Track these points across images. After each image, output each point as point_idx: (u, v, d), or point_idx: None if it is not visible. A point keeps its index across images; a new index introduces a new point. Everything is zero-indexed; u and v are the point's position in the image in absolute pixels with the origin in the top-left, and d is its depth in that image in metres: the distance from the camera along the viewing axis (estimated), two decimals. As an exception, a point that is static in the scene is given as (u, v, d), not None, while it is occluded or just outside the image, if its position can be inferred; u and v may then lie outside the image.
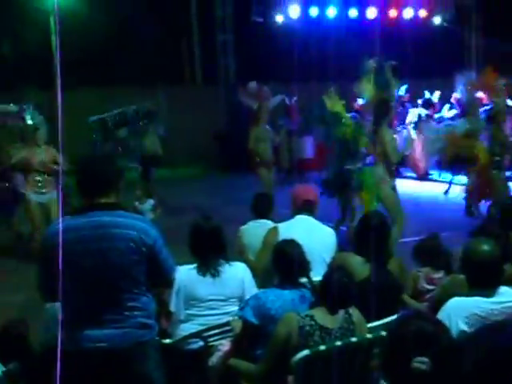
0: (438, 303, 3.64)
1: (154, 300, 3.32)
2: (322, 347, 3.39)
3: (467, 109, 9.76)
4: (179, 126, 15.14)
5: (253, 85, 10.53)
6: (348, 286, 3.58)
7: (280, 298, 3.72)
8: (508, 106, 11.38)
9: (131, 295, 3.11)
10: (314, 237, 4.81)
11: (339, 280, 3.58)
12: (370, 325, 3.71)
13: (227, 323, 4.00)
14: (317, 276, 4.37)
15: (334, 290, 3.54)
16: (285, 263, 3.90)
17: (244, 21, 15.90)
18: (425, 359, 2.01)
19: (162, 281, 3.44)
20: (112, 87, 14.68)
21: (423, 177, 13.55)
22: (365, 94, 7.65)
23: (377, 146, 7.41)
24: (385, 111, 7.42)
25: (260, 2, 15.97)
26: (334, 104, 7.89)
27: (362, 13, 16.95)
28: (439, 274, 4.54)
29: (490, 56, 19.33)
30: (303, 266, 3.93)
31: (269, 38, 15.78)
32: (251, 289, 4.14)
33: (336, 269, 3.90)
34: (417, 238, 5.29)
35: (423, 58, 18.40)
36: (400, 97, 14.32)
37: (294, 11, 16.01)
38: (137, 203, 7.31)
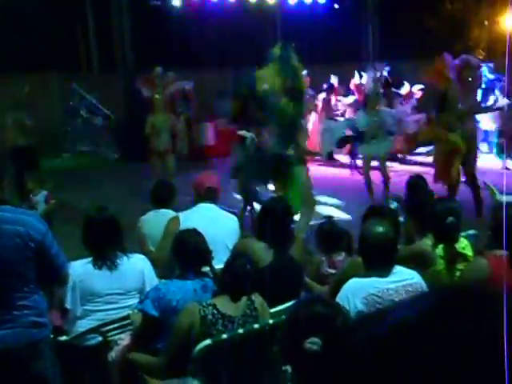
0: (338, 285, 3.69)
1: (45, 297, 3.19)
2: (224, 336, 3.36)
3: (369, 101, 9.99)
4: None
5: (158, 71, 10.26)
6: (248, 272, 3.56)
7: (181, 289, 3.65)
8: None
9: (21, 294, 3.01)
10: (217, 224, 4.77)
11: (240, 267, 3.56)
12: (272, 310, 3.72)
13: (127, 317, 3.88)
14: (219, 263, 4.38)
15: (235, 277, 3.53)
16: (185, 253, 3.83)
17: (141, 4, 15.53)
18: (316, 340, 2.02)
19: (53, 277, 3.34)
20: (9, 75, 13.95)
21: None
22: (268, 81, 7.15)
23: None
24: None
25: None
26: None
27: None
28: (340, 257, 4.60)
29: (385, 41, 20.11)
30: (204, 255, 3.88)
31: (166, 22, 15.53)
32: (152, 281, 4.04)
33: (236, 256, 3.88)
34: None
35: (324, 43, 18.80)
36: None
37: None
38: (31, 196, 6.98)
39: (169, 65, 11.04)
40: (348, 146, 12.06)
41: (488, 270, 3.51)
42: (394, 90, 13.56)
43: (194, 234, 3.94)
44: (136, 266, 4.05)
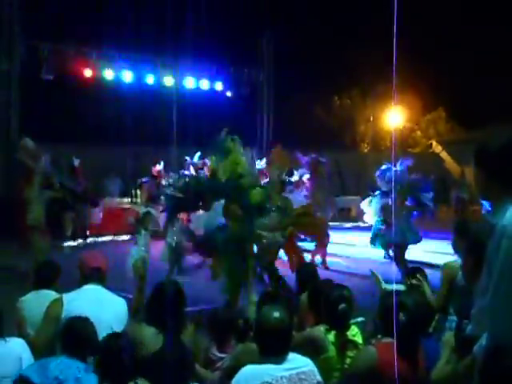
0: (232, 371, 3.60)
1: None
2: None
3: None
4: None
5: (29, 143, 9.89)
6: (131, 357, 3.41)
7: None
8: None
9: None
10: (104, 307, 4.51)
11: (115, 348, 3.47)
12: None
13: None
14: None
15: (119, 363, 3.42)
16: (72, 342, 3.64)
17: (32, 78, 15.24)
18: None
19: None
20: None
21: None
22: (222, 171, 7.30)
23: None
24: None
25: (51, 60, 15.50)
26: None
27: (158, 79, 17.27)
28: (231, 343, 4.51)
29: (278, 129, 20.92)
30: (92, 346, 3.68)
31: (59, 97, 15.32)
32: (30, 366, 3.72)
33: (112, 336, 3.73)
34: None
35: (218, 128, 19.18)
36: (194, 164, 14.70)
37: (88, 72, 15.84)
38: None
39: (58, 140, 10.79)
40: None
41: (376, 358, 3.54)
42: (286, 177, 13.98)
43: (84, 322, 3.82)
44: (13, 352, 3.76)
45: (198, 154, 14.96)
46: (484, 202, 11.21)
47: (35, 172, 9.41)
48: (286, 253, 8.02)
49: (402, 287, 5.10)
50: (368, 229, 12.97)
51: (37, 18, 15.03)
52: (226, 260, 7.15)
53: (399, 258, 10.04)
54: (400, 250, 10.15)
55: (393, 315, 3.52)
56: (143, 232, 8.37)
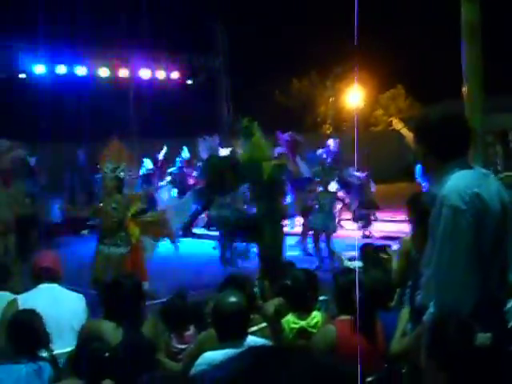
0: (192, 360, 3.58)
1: None
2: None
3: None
4: None
5: (6, 144, 9.67)
6: (101, 358, 3.35)
7: (11, 375, 3.38)
8: None
9: None
10: (61, 305, 4.50)
11: (91, 353, 3.37)
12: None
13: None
14: (66, 346, 4.11)
15: (87, 364, 3.36)
16: (19, 335, 3.58)
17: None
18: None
19: None
20: None
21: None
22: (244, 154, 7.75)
23: None
24: None
25: (2, 58, 15.18)
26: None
27: (113, 72, 17.02)
28: (189, 332, 4.49)
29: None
30: (41, 338, 3.61)
31: (13, 94, 15.03)
32: (-15, 369, 3.65)
33: (88, 339, 3.65)
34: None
35: (178, 118, 19.10)
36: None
37: (39, 69, 15.51)
38: None
39: (14, 138, 10.55)
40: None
41: (335, 336, 3.56)
42: None
43: (30, 314, 3.73)
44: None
45: (165, 149, 14.75)
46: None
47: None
48: None
49: (359, 264, 5.14)
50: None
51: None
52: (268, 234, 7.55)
53: (316, 244, 10.00)
54: (316, 236, 10.06)
55: (346, 293, 3.55)
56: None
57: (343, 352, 3.54)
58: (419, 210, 3.58)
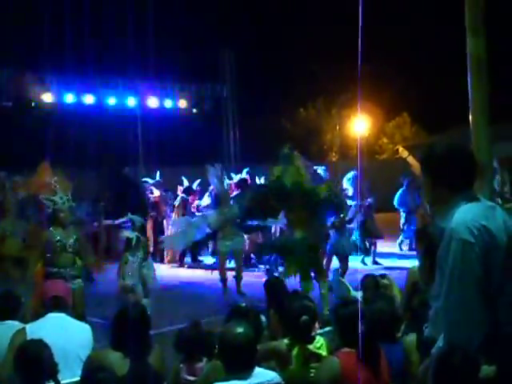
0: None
1: None
2: None
3: (220, 200, 10.28)
4: None
5: (1, 174, 9.76)
6: None
7: None
8: None
9: None
10: (68, 335, 4.49)
11: (101, 382, 3.37)
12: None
13: None
14: (72, 376, 4.10)
15: None
16: (27, 366, 3.55)
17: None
18: None
19: None
20: None
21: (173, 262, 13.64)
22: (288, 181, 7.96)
23: None
24: None
25: (9, 87, 15.38)
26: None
27: (121, 101, 17.22)
28: (200, 364, 4.45)
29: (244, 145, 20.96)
30: (49, 368, 3.60)
31: (19, 123, 15.18)
32: (-5, 401, 3.66)
33: (95, 369, 3.64)
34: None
35: (182, 146, 19.22)
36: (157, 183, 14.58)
37: (47, 98, 15.74)
38: None
39: (20, 167, 10.64)
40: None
41: (339, 368, 3.55)
42: None
43: (37, 345, 3.70)
44: (-24, 386, 3.66)
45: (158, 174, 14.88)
46: None
47: (7, 203, 9.20)
48: None
49: (359, 295, 5.12)
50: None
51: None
52: (300, 259, 7.90)
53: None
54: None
55: (348, 325, 3.53)
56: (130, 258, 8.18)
57: (347, 384, 3.53)
58: (427, 242, 3.59)
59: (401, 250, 13.70)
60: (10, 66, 15.43)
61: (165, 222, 13.99)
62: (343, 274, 9.75)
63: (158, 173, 14.90)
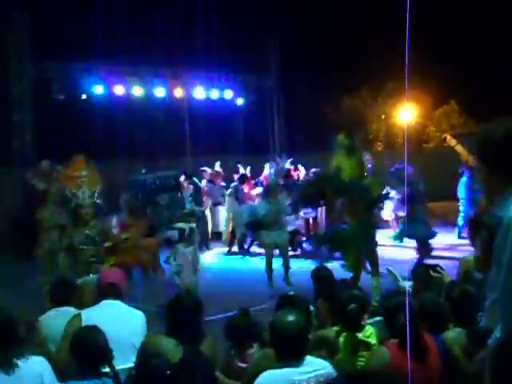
0: (251, 379, 3.60)
1: None
2: None
3: (270, 191, 10.36)
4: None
5: (45, 164, 9.93)
6: (164, 373, 3.44)
7: None
8: None
9: None
10: (121, 322, 4.58)
11: (152, 370, 3.44)
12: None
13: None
14: (126, 363, 4.20)
15: (148, 381, 3.43)
16: (83, 351, 3.66)
17: (43, 99, 15.44)
18: None
19: None
20: None
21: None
22: (344, 169, 8.01)
23: None
24: None
25: (61, 80, 15.71)
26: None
27: (169, 92, 17.40)
28: (252, 350, 4.49)
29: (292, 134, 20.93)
30: (104, 354, 3.70)
31: (71, 115, 15.49)
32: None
33: (149, 355, 3.72)
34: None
35: (232, 136, 19.32)
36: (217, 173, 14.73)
37: (98, 89, 16.03)
38: None
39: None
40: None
41: (388, 358, 3.54)
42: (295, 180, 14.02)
43: (93, 331, 3.79)
44: (34, 370, 3.76)
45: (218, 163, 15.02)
46: None
47: (49, 192, 9.33)
48: None
49: (408, 285, 5.09)
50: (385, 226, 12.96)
51: (45, 40, 15.25)
52: (353, 251, 8.07)
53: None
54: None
55: (394, 316, 3.52)
56: (183, 249, 8.27)
57: (396, 375, 3.52)
58: (483, 231, 3.53)
59: (462, 238, 13.50)
60: (61, 59, 15.76)
61: (207, 212, 14.11)
62: (423, 258, 9.88)
63: (218, 163, 14.99)
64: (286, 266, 9.95)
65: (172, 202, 10.85)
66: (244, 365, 4.39)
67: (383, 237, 11.94)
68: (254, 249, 13.28)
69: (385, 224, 12.89)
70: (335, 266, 7.69)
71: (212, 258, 12.95)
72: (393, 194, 11.37)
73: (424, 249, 10.23)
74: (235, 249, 13.64)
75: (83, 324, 4.35)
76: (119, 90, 16.39)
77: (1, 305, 4.07)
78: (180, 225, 8.37)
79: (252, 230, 12.12)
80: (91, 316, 4.51)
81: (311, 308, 5.06)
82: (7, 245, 13.77)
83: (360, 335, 4.15)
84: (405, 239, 11.36)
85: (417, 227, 10.22)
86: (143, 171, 12.63)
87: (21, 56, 15.46)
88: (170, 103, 17.36)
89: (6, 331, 3.74)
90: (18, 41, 15.41)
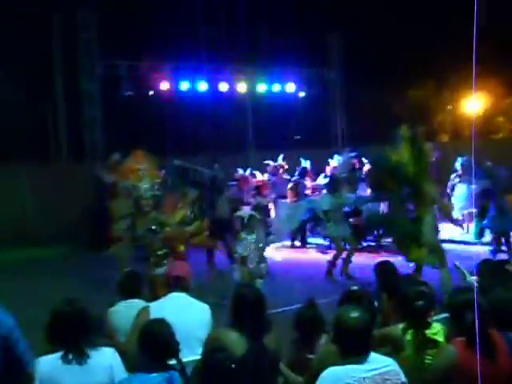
0: (315, 375, 3.59)
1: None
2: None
3: (336, 184, 10.33)
4: (47, 205, 14.53)
5: (115, 157, 10.15)
6: (229, 368, 3.46)
7: None
8: None
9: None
10: (189, 314, 4.67)
11: (218, 364, 3.47)
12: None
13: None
14: (192, 355, 4.27)
15: (216, 373, 3.44)
16: (150, 344, 3.74)
17: (113, 95, 15.91)
18: None
19: (20, 374, 3.19)
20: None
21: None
22: (405, 161, 8.11)
23: None
24: None
25: (129, 77, 16.13)
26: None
27: (231, 87, 17.57)
28: (322, 341, 4.47)
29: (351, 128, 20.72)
30: (171, 347, 3.78)
31: (140, 111, 15.88)
32: (121, 375, 3.85)
33: (215, 349, 3.77)
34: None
35: (291, 129, 19.31)
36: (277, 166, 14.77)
37: (165, 85, 16.37)
38: None
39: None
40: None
41: (456, 357, 3.49)
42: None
43: (161, 324, 3.86)
44: (105, 360, 3.89)
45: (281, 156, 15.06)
46: None
47: (117, 185, 9.54)
48: None
49: (474, 281, 4.97)
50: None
51: (113, 39, 15.69)
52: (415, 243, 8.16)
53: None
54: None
55: (460, 313, 3.45)
56: (245, 236, 8.31)
57: (464, 374, 3.46)
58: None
59: None
60: (129, 57, 16.20)
61: (271, 206, 14.14)
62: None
63: (281, 156, 15.03)
64: (348, 260, 9.93)
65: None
66: (312, 356, 4.39)
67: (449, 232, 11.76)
68: (313, 240, 13.30)
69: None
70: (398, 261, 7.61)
71: (274, 250, 13.00)
72: (461, 189, 11.09)
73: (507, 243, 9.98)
74: (297, 242, 13.66)
75: (151, 317, 4.47)
76: (184, 85, 16.73)
77: (73, 296, 4.25)
78: (240, 213, 8.40)
79: (314, 224, 12.15)
80: (159, 308, 4.60)
81: (375, 303, 5.02)
82: (80, 236, 14.31)
83: (427, 332, 4.09)
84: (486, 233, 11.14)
85: (505, 220, 9.97)
86: (215, 166, 12.79)
87: (91, 55, 16.02)
88: (234, 97, 17.53)
89: (79, 322, 3.87)
90: (88, 40, 15.93)
